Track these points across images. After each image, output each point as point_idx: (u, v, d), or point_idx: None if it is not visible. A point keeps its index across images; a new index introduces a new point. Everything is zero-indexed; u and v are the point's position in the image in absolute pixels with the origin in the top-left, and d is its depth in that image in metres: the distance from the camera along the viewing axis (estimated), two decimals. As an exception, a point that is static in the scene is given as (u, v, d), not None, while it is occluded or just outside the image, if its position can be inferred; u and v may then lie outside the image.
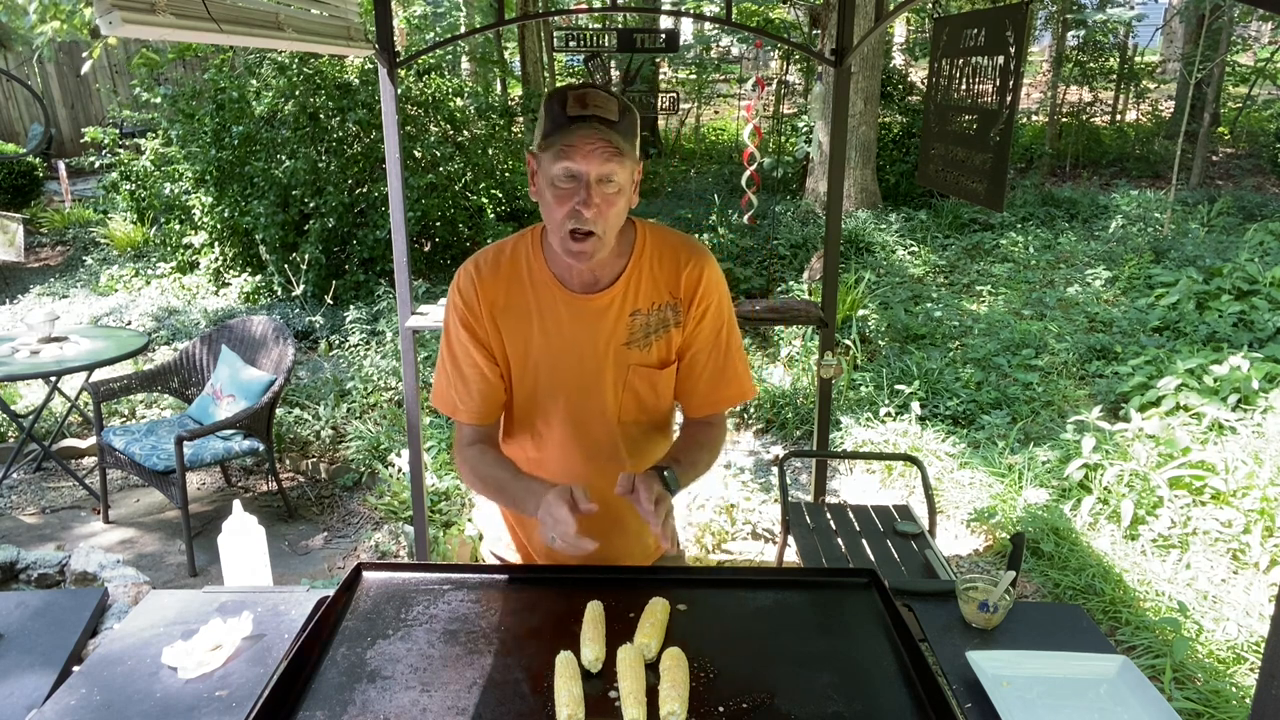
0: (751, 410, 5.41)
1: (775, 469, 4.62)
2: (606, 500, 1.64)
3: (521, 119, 10.62)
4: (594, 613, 1.57)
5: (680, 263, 1.72)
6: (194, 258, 8.14)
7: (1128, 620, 3.33)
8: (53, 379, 4.50)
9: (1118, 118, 15.73)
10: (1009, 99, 2.16)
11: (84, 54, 7.45)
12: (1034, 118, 15.28)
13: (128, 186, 8.64)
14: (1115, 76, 14.95)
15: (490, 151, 8.56)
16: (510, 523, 1.93)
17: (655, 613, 1.57)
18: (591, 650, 1.47)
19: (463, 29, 12.74)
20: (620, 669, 1.43)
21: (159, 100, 7.89)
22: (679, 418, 1.93)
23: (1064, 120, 14.30)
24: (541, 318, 1.69)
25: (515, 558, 1.94)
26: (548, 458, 1.80)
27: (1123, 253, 8.57)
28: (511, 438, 1.84)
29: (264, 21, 2.28)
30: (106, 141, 8.61)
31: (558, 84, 12.53)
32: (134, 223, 9.31)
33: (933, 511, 3.18)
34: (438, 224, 7.86)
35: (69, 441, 5.04)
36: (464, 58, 12.86)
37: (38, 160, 12.06)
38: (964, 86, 2.47)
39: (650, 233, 1.74)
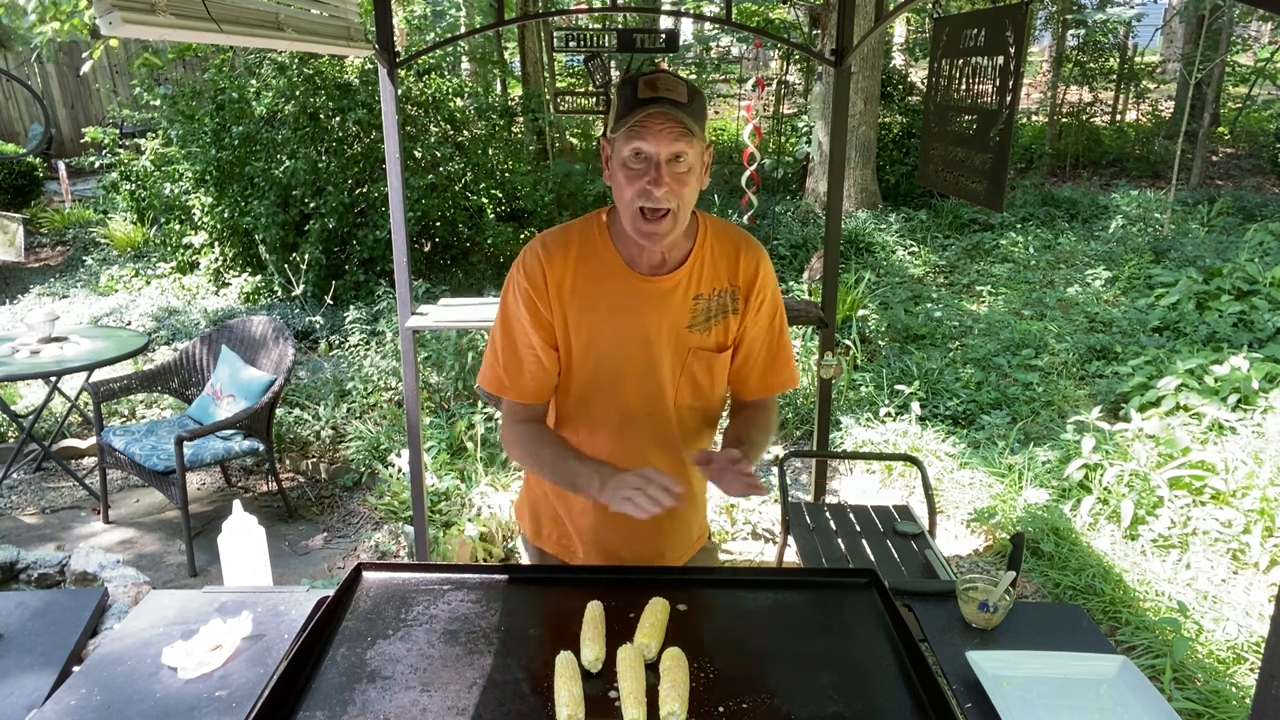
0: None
1: (775, 469, 4.62)
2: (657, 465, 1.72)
3: (522, 119, 10.62)
4: (594, 613, 1.57)
5: (740, 252, 1.77)
6: (194, 258, 8.14)
7: (1128, 620, 3.33)
8: (53, 379, 4.50)
9: (1118, 118, 15.74)
10: (1009, 99, 2.17)
11: (84, 54, 7.43)
12: (1034, 118, 15.28)
13: (128, 186, 8.64)
14: (1115, 76, 14.95)
15: (490, 151, 8.56)
16: (556, 512, 1.92)
17: (655, 613, 1.57)
18: (591, 650, 1.47)
19: (463, 29, 12.74)
20: (620, 669, 1.43)
21: (159, 101, 7.89)
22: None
23: (1064, 120, 14.31)
24: (609, 299, 1.71)
25: (551, 550, 1.95)
26: (602, 439, 1.81)
27: (1123, 253, 8.57)
28: (567, 418, 1.84)
29: (264, 21, 2.28)
30: (106, 141, 8.61)
31: (558, 85, 12.54)
32: (134, 223, 9.31)
33: (933, 512, 3.19)
34: (438, 224, 7.86)
35: (69, 441, 5.04)
36: (464, 58, 12.86)
37: (38, 160, 12.06)
38: (964, 86, 2.47)
39: (710, 221, 1.78)
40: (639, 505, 1.54)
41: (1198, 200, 10.71)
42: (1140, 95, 15.21)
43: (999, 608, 1.66)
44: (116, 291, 8.13)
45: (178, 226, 8.04)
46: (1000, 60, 2.21)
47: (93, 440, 4.58)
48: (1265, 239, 8.43)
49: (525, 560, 2.05)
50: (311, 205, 7.24)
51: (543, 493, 1.93)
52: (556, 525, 1.92)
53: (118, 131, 8.98)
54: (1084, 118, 14.48)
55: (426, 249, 8.17)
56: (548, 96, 11.50)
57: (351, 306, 6.84)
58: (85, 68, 7.77)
